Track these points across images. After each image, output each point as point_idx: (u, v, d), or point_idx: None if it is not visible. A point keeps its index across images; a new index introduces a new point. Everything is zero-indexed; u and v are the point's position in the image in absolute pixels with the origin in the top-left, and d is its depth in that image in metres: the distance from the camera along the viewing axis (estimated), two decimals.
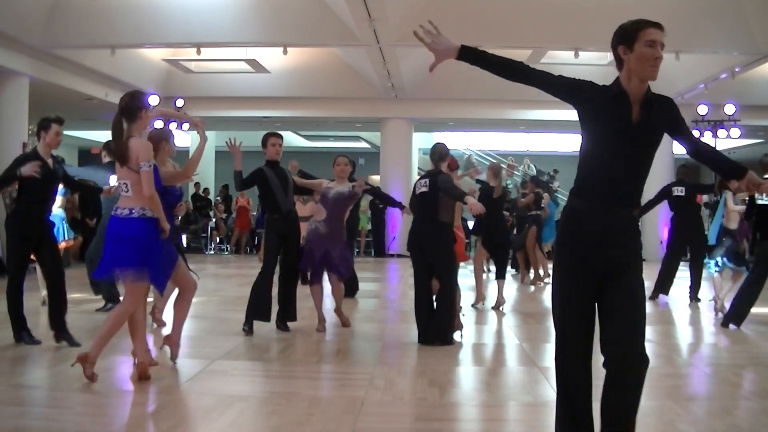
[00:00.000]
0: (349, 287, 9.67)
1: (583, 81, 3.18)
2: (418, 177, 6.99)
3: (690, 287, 10.01)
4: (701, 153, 3.27)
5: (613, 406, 3.04)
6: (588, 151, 3.14)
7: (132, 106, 4.90)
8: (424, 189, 6.64)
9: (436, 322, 6.54)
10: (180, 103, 17.41)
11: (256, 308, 6.90)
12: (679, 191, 9.93)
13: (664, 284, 10.09)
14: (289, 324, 7.21)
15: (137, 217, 4.82)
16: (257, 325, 7.05)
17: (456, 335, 6.75)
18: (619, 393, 3.02)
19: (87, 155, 26.12)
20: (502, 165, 10.07)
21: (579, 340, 3.12)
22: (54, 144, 6.20)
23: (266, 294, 6.93)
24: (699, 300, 9.87)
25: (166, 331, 6.06)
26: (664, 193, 10.00)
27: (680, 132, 3.21)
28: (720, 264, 8.44)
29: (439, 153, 6.81)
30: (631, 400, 3.03)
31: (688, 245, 10.37)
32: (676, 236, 10.25)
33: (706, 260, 8.87)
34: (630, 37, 3.05)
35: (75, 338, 6.09)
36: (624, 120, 3.07)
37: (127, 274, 4.81)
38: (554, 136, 25.64)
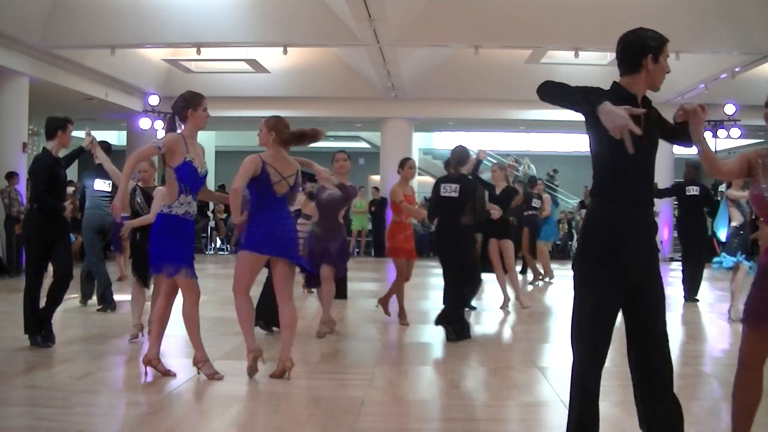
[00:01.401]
0: (339, 289, 9.68)
1: (591, 88, 3.21)
2: (438, 179, 7.16)
3: (686, 287, 9.97)
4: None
5: None
6: (601, 154, 3.18)
7: (177, 107, 5.16)
8: (453, 194, 6.84)
9: (447, 321, 6.75)
10: None
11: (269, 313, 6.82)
12: (693, 191, 9.85)
13: (695, 288, 9.95)
14: None
15: (158, 213, 5.09)
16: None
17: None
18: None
19: (88, 155, 26.11)
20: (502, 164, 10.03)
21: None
22: (68, 143, 6.30)
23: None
24: (698, 300, 9.86)
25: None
26: (676, 190, 9.93)
27: (671, 128, 3.34)
28: (741, 261, 8.10)
29: (458, 157, 7.01)
30: None
31: (693, 245, 10.20)
32: (688, 237, 10.10)
33: (716, 258, 8.56)
34: (659, 50, 3.20)
35: (53, 336, 6.12)
36: (635, 122, 3.05)
37: (159, 269, 4.98)
38: (554, 136, 25.66)
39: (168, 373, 5.09)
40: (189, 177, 4.99)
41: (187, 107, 5.08)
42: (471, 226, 6.96)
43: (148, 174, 6.65)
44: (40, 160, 6.25)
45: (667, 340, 3.28)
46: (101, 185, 8.28)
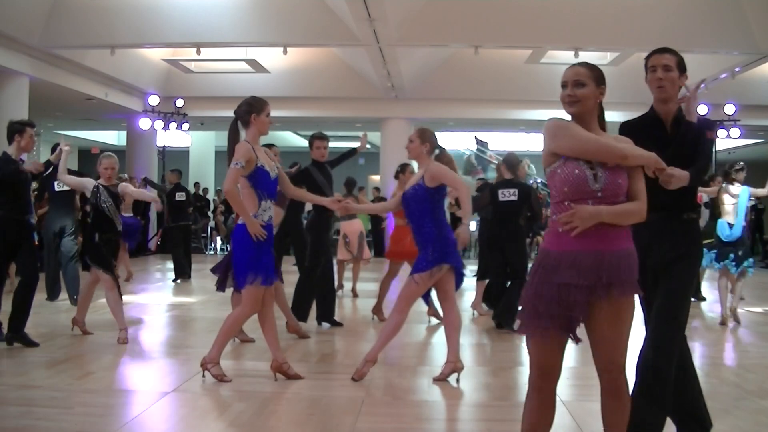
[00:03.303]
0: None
1: (624, 124, 3.55)
2: (494, 183, 7.70)
3: None
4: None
5: None
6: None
7: (240, 112, 5.03)
8: (513, 198, 7.49)
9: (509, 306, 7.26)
10: (180, 103, 17.41)
11: (300, 308, 7.12)
12: None
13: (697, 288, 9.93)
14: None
15: (240, 223, 4.96)
16: (255, 324, 7.04)
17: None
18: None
19: (87, 155, 26.11)
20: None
21: None
22: (29, 148, 6.25)
23: (310, 294, 7.20)
24: (704, 299, 9.85)
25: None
26: None
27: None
28: (747, 264, 7.95)
29: (513, 162, 7.70)
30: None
31: None
32: None
33: (730, 260, 8.25)
34: (645, 66, 3.52)
35: (31, 338, 6.11)
36: (659, 136, 3.46)
37: (238, 279, 4.96)
38: None
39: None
40: (264, 182, 4.95)
41: (250, 112, 5.00)
42: (523, 226, 7.77)
43: (114, 171, 6.56)
44: None
45: (664, 336, 3.45)
46: (60, 186, 8.31)
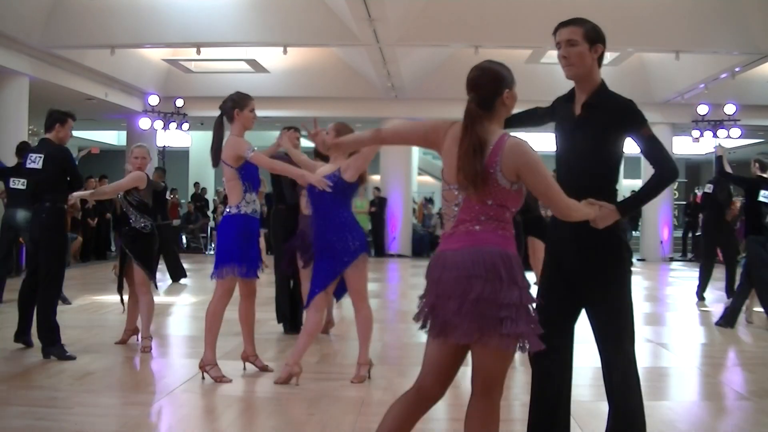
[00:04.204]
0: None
1: (555, 100, 3.33)
2: None
3: (698, 286, 9.95)
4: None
5: None
6: (556, 153, 3.19)
7: (225, 107, 5.14)
8: None
9: None
10: (180, 103, 17.41)
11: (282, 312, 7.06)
12: (707, 188, 9.86)
13: (704, 288, 9.90)
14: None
15: (225, 215, 5.09)
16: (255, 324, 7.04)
17: None
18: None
19: (87, 155, 26.10)
20: None
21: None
22: (66, 139, 6.12)
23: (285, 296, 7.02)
24: (704, 299, 9.86)
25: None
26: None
27: (635, 139, 3.03)
28: None
29: None
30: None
31: (713, 246, 10.07)
32: (708, 237, 10.06)
33: None
34: (555, 41, 3.07)
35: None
36: (568, 118, 3.10)
37: (219, 271, 5.06)
38: (554, 136, 25.58)
39: (266, 368, 5.32)
40: (251, 176, 5.06)
41: (234, 107, 5.11)
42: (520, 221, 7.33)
43: (145, 161, 6.38)
44: (34, 148, 6.14)
45: (616, 358, 2.98)
46: (15, 183, 7.69)
